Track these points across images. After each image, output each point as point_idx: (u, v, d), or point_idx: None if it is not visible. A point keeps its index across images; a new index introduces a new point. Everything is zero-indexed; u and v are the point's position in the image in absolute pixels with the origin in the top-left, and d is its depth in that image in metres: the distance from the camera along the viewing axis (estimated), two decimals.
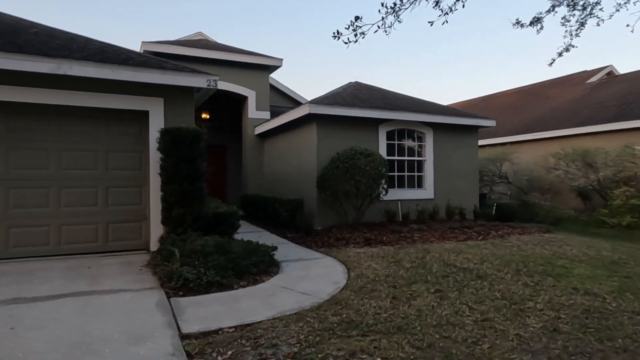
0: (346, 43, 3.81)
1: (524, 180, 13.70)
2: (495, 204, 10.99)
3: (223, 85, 11.84)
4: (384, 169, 8.65)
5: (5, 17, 6.98)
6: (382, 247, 7.05)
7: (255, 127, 12.23)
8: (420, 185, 10.56)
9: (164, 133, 5.83)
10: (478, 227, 9.10)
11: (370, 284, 4.89)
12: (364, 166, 8.12)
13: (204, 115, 13.44)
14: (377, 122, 9.83)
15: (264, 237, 8.12)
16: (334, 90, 11.14)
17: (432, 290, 4.61)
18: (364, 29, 3.68)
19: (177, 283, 4.61)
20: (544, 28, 6.82)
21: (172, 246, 5.19)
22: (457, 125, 10.83)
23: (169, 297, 4.38)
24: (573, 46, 6.97)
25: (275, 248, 6.04)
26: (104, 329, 3.53)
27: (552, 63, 7.23)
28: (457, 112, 11.02)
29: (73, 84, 5.81)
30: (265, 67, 12.46)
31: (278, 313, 4.01)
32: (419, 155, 10.55)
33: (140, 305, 4.13)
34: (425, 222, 9.46)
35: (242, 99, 12.51)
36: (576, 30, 6.64)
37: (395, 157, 10.15)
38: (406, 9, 3.82)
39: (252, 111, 12.25)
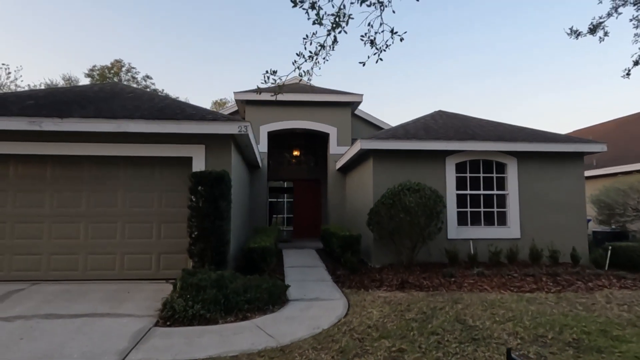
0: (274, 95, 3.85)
1: None
2: (610, 247, 8.84)
3: (306, 125, 12.64)
4: (439, 206, 7.94)
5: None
6: (412, 293, 6.45)
7: (336, 162, 12.54)
8: (502, 223, 9.25)
9: (192, 176, 6.59)
10: (567, 275, 7.53)
11: (344, 334, 4.60)
12: (409, 203, 7.61)
13: (295, 153, 14.39)
14: (444, 154, 9.11)
15: (311, 273, 8.26)
16: (410, 121, 10.77)
17: (393, 349, 4.10)
18: (284, 74, 3.70)
19: (167, 313, 5.12)
20: (608, 35, 5.60)
21: (183, 279, 5.77)
22: (551, 153, 9.24)
23: (156, 326, 4.92)
24: None
25: (286, 286, 6.13)
26: (74, 346, 4.21)
27: (628, 73, 5.82)
28: (550, 138, 9.41)
29: (133, 138, 7.10)
30: (346, 104, 12.79)
31: (224, 352, 4.14)
32: (500, 188, 9.29)
33: (123, 330, 4.74)
34: (498, 265, 8.23)
35: (326, 136, 13.01)
36: None
37: (468, 192, 9.18)
38: (323, 57, 3.68)
39: (334, 147, 12.63)
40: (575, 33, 5.70)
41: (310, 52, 3.68)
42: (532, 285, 6.94)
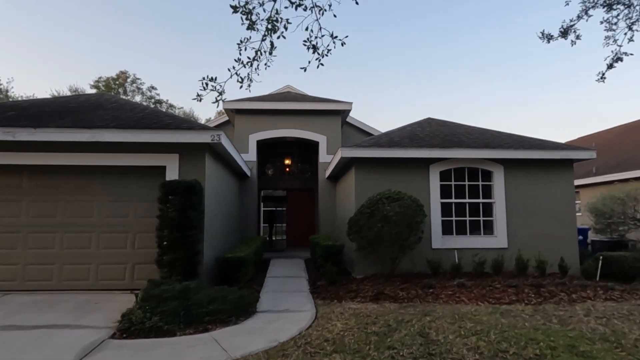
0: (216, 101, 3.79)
1: None
2: (601, 257, 8.55)
3: (295, 133, 12.59)
4: (420, 215, 7.77)
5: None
6: (385, 304, 6.28)
7: (325, 170, 12.45)
8: (489, 232, 9.03)
9: (162, 185, 6.55)
10: (551, 287, 7.29)
11: (297, 348, 4.47)
12: (388, 212, 7.46)
13: (287, 161, 14.34)
14: (427, 162, 8.95)
15: (291, 283, 8.14)
16: (396, 129, 10.66)
17: None
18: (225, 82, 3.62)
19: (124, 325, 5.05)
20: (580, 38, 5.44)
21: (146, 290, 5.69)
22: (539, 160, 9.03)
23: (112, 338, 4.84)
24: (626, 54, 5.35)
25: (256, 298, 6.02)
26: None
27: (603, 77, 5.64)
28: (538, 145, 9.19)
29: (109, 148, 7.10)
30: (336, 112, 12.73)
31: None
32: (487, 196, 9.09)
33: (76, 343, 4.66)
34: (482, 276, 8.00)
35: (316, 144, 12.94)
36: (628, 33, 5.16)
37: (453, 200, 8.99)
38: (265, 63, 3.60)
39: (323, 155, 12.54)
40: (547, 37, 5.55)
41: (249, 57, 3.61)
42: (512, 297, 6.71)
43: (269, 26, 3.25)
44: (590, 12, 5.09)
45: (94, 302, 6.35)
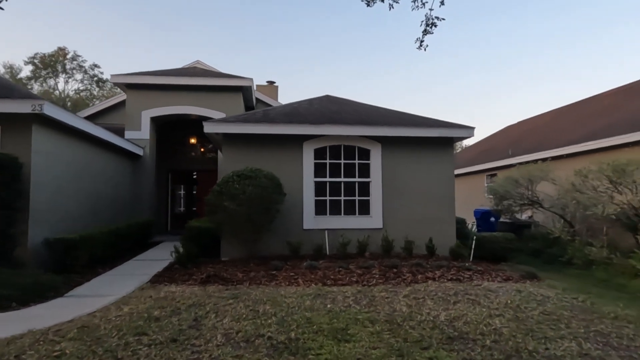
0: None
1: (561, 205, 10.33)
2: (474, 238, 8.42)
3: (193, 110, 11.96)
4: (276, 195, 7.38)
5: None
6: (208, 288, 5.85)
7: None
8: (365, 212, 8.74)
9: None
10: (407, 267, 7.04)
11: (41, 335, 3.98)
12: (236, 191, 7.02)
13: (192, 141, 13.71)
14: (301, 139, 8.54)
15: (148, 266, 7.76)
16: (282, 105, 10.20)
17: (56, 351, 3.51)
18: None
19: None
20: (398, 2, 5.05)
21: None
22: (416, 138, 8.75)
23: None
24: (438, 18, 4.99)
25: (57, 282, 5.52)
26: None
27: (421, 44, 5.28)
28: (415, 122, 8.91)
29: None
30: (236, 89, 12.12)
31: None
32: (363, 176, 8.77)
33: None
34: (346, 257, 7.71)
35: None
36: None
37: (327, 179, 8.63)
38: None
39: None
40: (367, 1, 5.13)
41: None
42: (353, 279, 6.43)
43: None
44: None
45: None
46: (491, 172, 16.39)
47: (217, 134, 8.48)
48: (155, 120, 12.08)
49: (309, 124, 8.35)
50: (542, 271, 8.48)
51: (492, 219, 13.44)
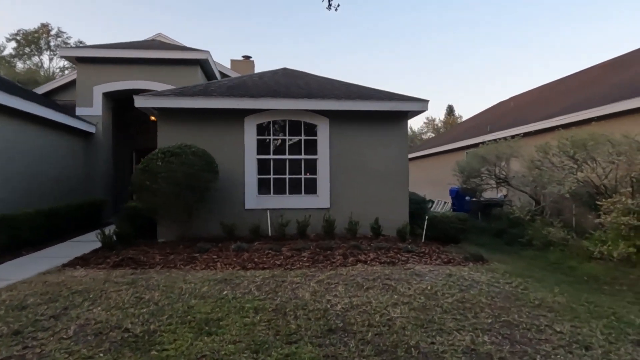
0: None
1: (527, 183, 9.82)
2: (427, 218, 7.96)
3: (147, 85, 11.44)
4: (207, 173, 6.93)
5: None
6: (116, 271, 5.50)
7: None
8: (312, 191, 8.28)
9: None
10: (340, 250, 6.62)
11: None
12: (159, 170, 6.57)
13: (152, 118, 13.18)
14: (243, 114, 8.02)
15: (76, 248, 7.34)
16: (232, 77, 9.63)
17: None
18: None
19: None
20: None
21: None
22: (366, 112, 8.20)
23: None
24: None
25: None
26: None
27: (330, 4, 4.71)
28: (366, 95, 8.33)
29: None
30: (193, 62, 11.53)
31: None
32: (310, 152, 8.27)
33: None
34: (283, 239, 7.31)
35: None
36: None
37: (271, 156, 8.15)
38: None
39: None
40: None
41: None
42: (277, 262, 6.01)
43: None
44: None
45: None
46: (471, 150, 15.78)
47: (153, 108, 7.98)
48: (109, 96, 11.57)
49: (249, 97, 7.81)
50: (499, 253, 8.08)
51: (467, 197, 12.96)
